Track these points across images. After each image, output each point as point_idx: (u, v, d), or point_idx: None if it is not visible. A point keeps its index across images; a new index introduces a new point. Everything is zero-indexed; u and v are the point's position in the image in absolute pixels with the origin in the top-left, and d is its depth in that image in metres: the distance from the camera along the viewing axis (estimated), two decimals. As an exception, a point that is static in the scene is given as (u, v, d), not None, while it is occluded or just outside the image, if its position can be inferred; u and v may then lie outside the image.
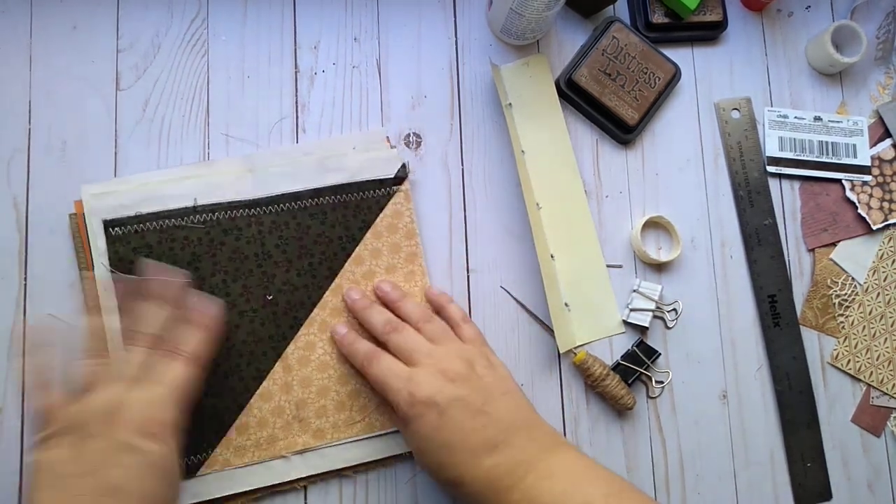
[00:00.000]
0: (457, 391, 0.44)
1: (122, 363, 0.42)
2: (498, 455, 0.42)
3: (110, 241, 0.50)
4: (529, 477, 0.42)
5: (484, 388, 0.45)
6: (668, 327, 0.58)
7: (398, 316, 0.51)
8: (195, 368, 0.44)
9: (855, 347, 0.60)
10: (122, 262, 0.50)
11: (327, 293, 0.53)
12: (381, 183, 0.54)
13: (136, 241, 0.50)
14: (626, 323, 0.57)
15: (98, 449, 0.37)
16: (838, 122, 0.62)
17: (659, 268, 0.59)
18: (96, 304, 0.49)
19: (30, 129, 0.54)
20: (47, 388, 0.40)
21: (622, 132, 0.59)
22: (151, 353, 0.43)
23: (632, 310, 0.57)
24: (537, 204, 0.57)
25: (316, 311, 0.52)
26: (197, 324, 0.46)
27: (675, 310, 0.58)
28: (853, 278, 0.61)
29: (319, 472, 0.51)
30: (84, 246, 0.51)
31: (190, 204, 0.51)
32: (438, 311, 0.53)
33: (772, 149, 0.61)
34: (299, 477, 0.51)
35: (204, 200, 0.52)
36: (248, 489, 0.50)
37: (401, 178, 0.55)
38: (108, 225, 0.50)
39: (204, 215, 0.51)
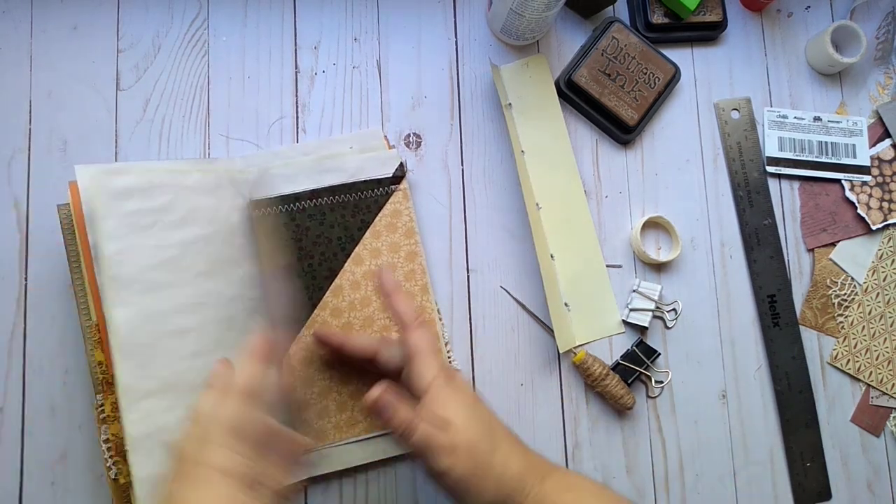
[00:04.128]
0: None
1: None
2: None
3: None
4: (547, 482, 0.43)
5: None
6: (667, 327, 0.58)
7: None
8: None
9: (854, 347, 0.60)
10: None
11: (327, 294, 0.53)
12: (379, 182, 0.55)
13: None
14: (625, 323, 0.57)
15: None
16: (838, 122, 0.62)
17: (658, 268, 0.59)
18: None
19: (30, 130, 0.54)
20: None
21: (622, 132, 0.59)
22: None
23: (631, 310, 0.57)
24: (537, 204, 0.57)
25: (316, 311, 0.52)
26: None
27: (674, 310, 0.58)
28: (852, 278, 0.61)
29: (321, 473, 0.51)
30: (80, 230, 0.47)
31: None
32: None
33: (771, 149, 0.61)
34: (302, 479, 0.51)
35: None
36: None
37: (399, 177, 0.55)
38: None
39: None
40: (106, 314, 0.47)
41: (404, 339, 0.46)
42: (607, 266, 0.58)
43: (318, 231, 0.53)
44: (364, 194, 0.54)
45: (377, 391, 0.43)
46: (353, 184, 0.54)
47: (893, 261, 0.61)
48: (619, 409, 0.56)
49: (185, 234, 0.49)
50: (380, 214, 0.54)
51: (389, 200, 0.55)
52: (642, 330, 0.57)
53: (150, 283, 0.47)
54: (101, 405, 0.49)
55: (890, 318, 0.61)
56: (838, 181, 0.62)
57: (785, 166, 0.61)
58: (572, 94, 0.59)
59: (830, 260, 0.61)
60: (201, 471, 0.37)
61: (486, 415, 0.44)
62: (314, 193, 0.53)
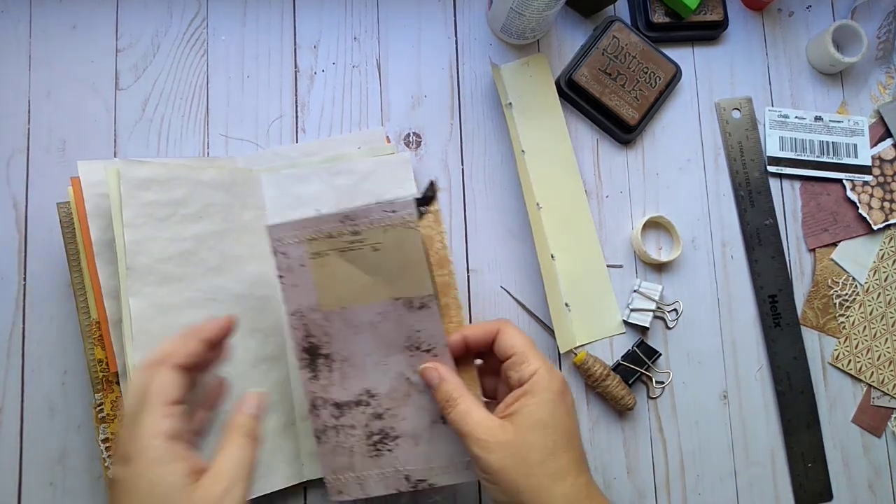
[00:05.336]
0: None
1: None
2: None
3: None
4: None
5: None
6: (668, 327, 0.58)
7: None
8: None
9: (856, 348, 0.60)
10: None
11: None
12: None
13: None
14: (626, 323, 0.57)
15: None
16: (839, 121, 0.62)
17: (659, 268, 0.59)
18: None
19: (29, 129, 0.54)
20: None
21: (622, 132, 0.59)
22: None
23: (632, 310, 0.57)
24: (537, 204, 0.57)
25: None
26: None
27: (675, 310, 0.58)
28: (854, 278, 0.61)
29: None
30: (82, 226, 0.47)
31: None
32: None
33: (772, 149, 0.61)
34: (308, 479, 0.51)
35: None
36: (258, 495, 0.49)
37: (429, 197, 0.46)
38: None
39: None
40: (120, 303, 0.46)
41: (497, 343, 0.44)
42: (608, 266, 0.58)
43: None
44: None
45: (430, 363, 0.44)
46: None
47: (895, 261, 0.61)
48: (620, 410, 0.55)
49: (200, 228, 0.49)
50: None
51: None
52: (643, 330, 0.57)
53: (165, 275, 0.47)
54: (101, 404, 0.49)
55: (891, 318, 0.60)
56: (839, 181, 0.62)
57: (786, 166, 0.61)
58: (573, 94, 0.59)
59: (832, 260, 0.61)
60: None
61: (562, 429, 0.41)
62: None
